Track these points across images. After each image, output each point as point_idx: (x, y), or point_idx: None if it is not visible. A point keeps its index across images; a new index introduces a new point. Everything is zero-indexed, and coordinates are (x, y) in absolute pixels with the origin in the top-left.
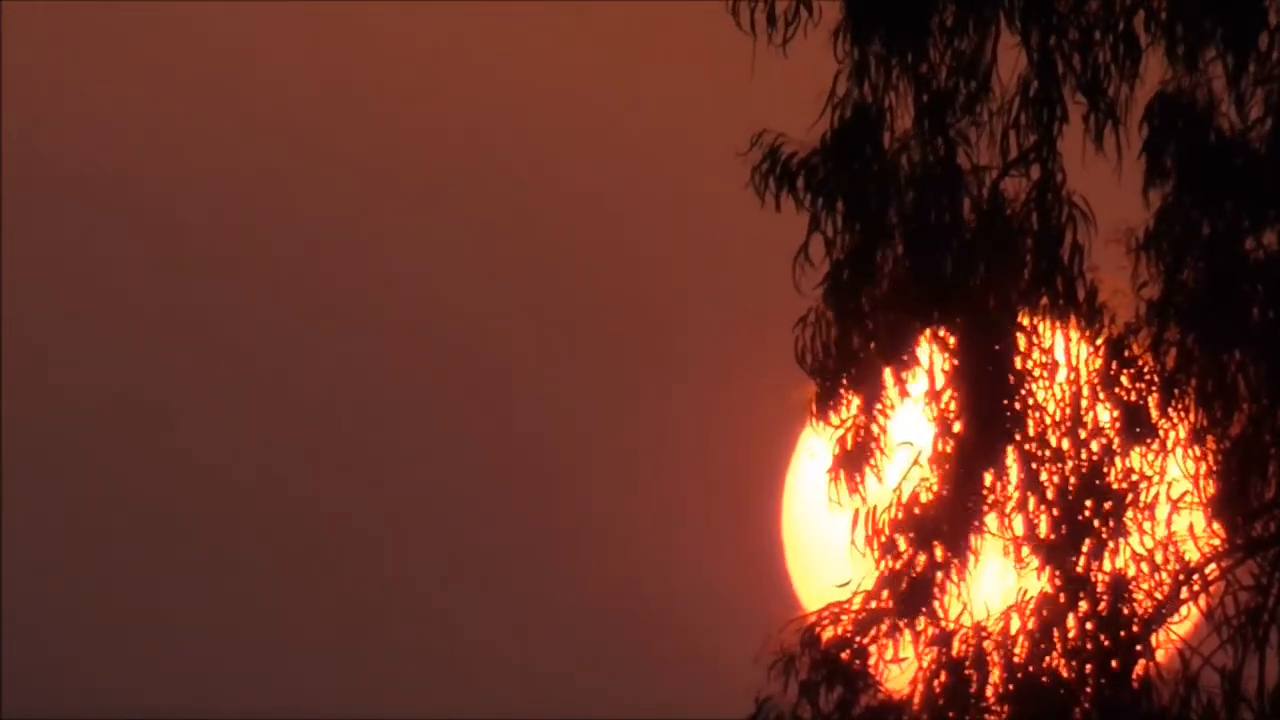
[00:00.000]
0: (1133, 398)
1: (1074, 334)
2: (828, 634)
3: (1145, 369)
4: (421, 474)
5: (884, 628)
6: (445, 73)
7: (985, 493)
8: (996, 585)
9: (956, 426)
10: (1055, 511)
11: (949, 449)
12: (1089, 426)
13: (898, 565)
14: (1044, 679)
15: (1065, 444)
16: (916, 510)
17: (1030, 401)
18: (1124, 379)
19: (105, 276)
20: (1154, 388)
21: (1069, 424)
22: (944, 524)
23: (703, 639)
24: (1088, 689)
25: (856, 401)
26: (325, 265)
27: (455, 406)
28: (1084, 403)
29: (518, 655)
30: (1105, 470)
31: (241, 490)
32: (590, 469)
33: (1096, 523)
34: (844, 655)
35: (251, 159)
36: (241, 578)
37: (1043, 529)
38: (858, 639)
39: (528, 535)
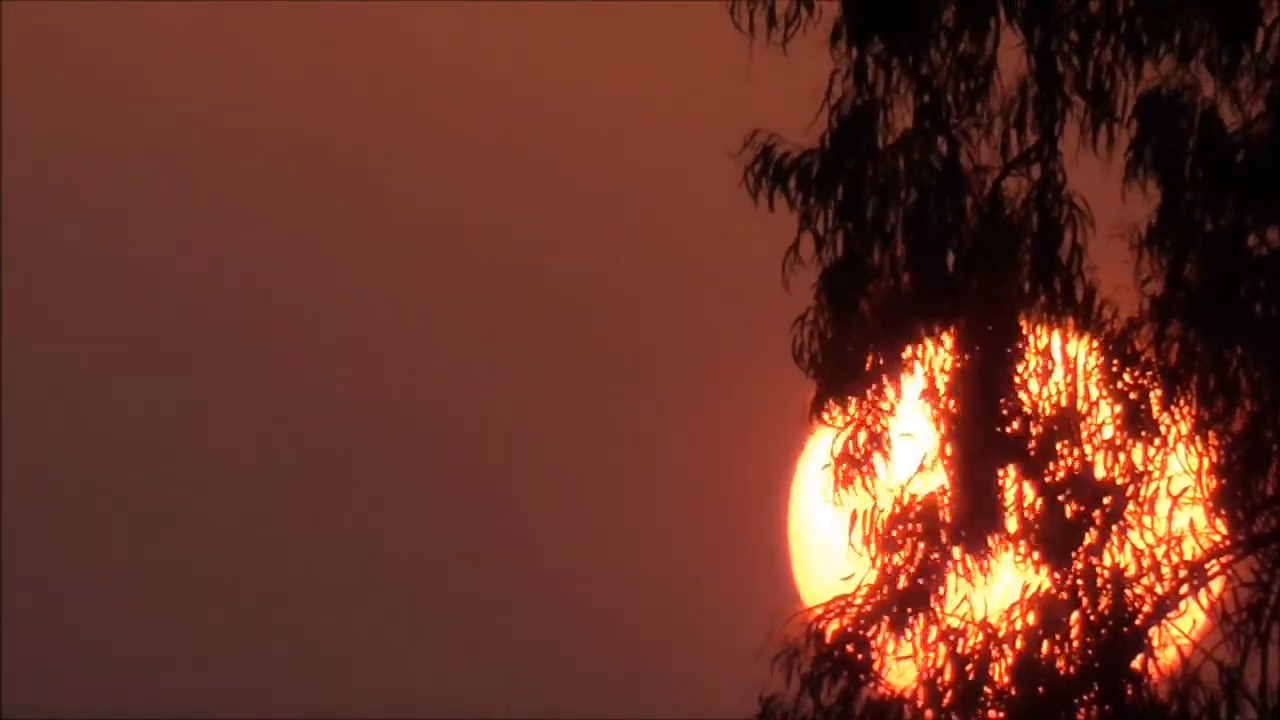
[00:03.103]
0: (1134, 394)
1: (1072, 334)
2: (831, 628)
3: (1147, 365)
4: (425, 475)
5: (887, 622)
6: (435, 71)
7: (984, 491)
8: (999, 582)
9: (955, 426)
10: (1055, 509)
11: (948, 448)
12: (1088, 424)
13: (897, 562)
14: (1046, 674)
15: (1064, 442)
16: (915, 509)
17: (1029, 400)
18: (1126, 375)
19: (106, 277)
20: (1156, 384)
21: (1067, 422)
22: (942, 522)
23: (710, 638)
24: (1089, 685)
25: (854, 401)
26: (329, 267)
27: (458, 406)
28: (1080, 401)
29: (518, 653)
30: (1107, 467)
31: (240, 490)
32: (595, 465)
33: (1098, 518)
34: (848, 649)
35: (248, 162)
36: (241, 578)
37: (1043, 526)
38: (861, 633)
39: (529, 532)
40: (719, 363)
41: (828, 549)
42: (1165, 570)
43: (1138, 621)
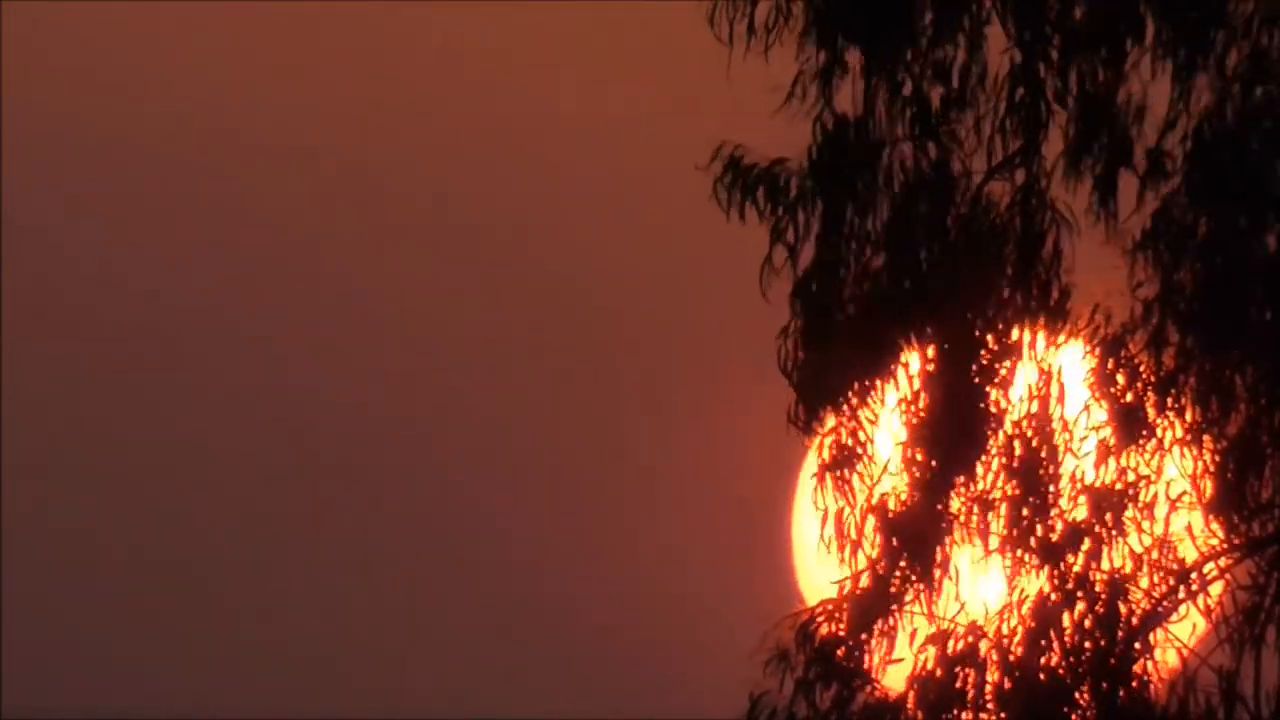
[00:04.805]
0: (1129, 398)
1: (1048, 335)
2: (822, 630)
3: (1142, 369)
4: (424, 475)
5: (877, 625)
6: (435, 71)
7: (965, 495)
8: (992, 585)
9: (936, 431)
10: (1041, 513)
11: (929, 452)
12: (1078, 428)
13: (880, 565)
14: (1041, 678)
15: (1050, 447)
16: (895, 513)
17: (1008, 405)
18: (1120, 379)
19: (106, 277)
20: (1150, 387)
21: (1048, 426)
22: (923, 526)
23: (710, 638)
24: (1085, 689)
25: (831, 411)
26: (329, 267)
27: (458, 407)
28: (1053, 404)
29: (518, 653)
30: (1098, 471)
31: (240, 490)
32: (595, 466)
33: (1096, 525)
34: (839, 653)
35: (248, 162)
36: (241, 578)
37: (1025, 529)
38: (853, 636)
39: (529, 533)
40: (720, 363)
41: (829, 552)
42: (1161, 574)
43: (1134, 625)
